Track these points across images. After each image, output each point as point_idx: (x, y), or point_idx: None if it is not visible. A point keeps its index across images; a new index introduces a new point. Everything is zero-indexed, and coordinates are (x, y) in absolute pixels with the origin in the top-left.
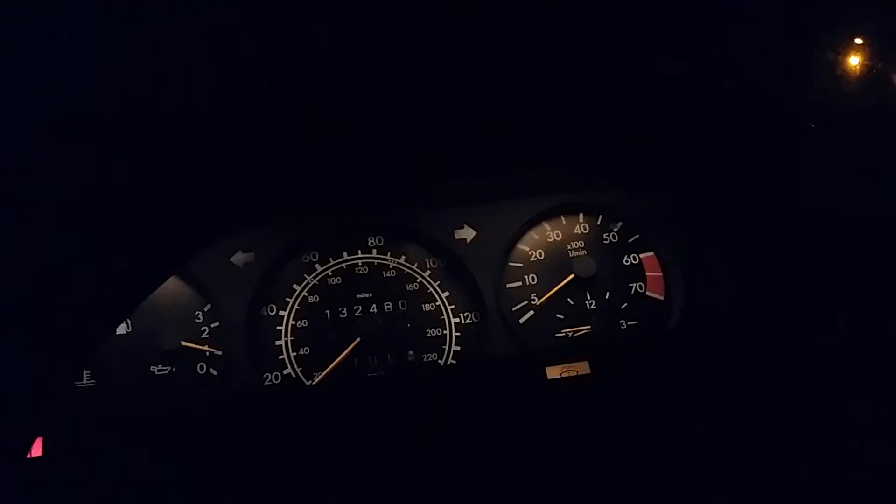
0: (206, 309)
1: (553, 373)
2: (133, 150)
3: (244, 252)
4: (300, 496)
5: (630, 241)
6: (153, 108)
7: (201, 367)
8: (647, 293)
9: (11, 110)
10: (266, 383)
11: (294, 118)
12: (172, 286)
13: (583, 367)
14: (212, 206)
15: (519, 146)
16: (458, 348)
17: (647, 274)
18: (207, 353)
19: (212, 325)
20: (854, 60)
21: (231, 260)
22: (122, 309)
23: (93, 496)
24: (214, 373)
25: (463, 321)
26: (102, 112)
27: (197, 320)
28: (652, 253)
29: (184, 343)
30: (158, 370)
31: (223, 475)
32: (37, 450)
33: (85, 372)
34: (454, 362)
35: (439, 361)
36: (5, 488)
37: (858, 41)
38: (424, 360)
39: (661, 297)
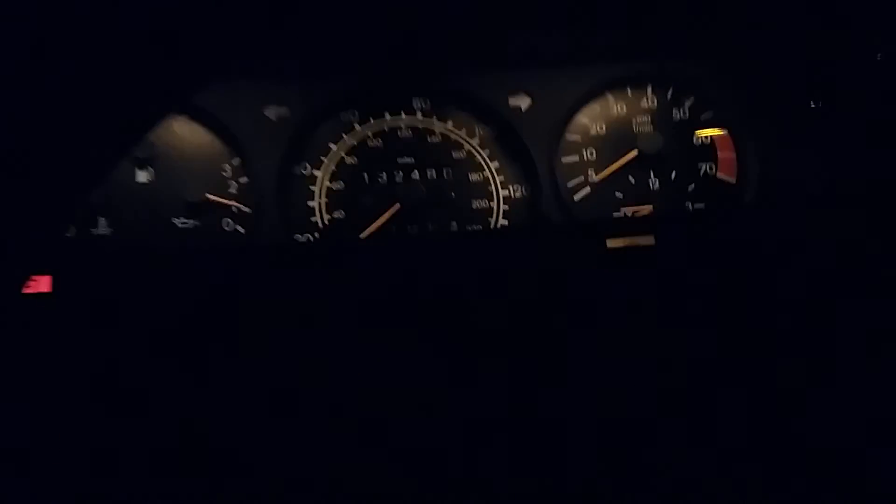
0: (234, 162)
1: (615, 243)
2: None
3: (279, 105)
4: (326, 355)
5: (702, 117)
6: None
7: (227, 224)
8: (718, 175)
9: None
10: None
11: None
12: (199, 135)
13: (647, 241)
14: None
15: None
16: (506, 222)
17: (718, 154)
18: (234, 209)
19: (240, 180)
20: None
21: (264, 112)
22: (125, 136)
23: (100, 336)
24: (241, 230)
25: (512, 194)
26: None
27: (224, 173)
28: (725, 132)
29: (209, 196)
30: (181, 223)
31: (242, 324)
32: (45, 286)
33: (101, 219)
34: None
35: None
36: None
37: None
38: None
39: (733, 180)
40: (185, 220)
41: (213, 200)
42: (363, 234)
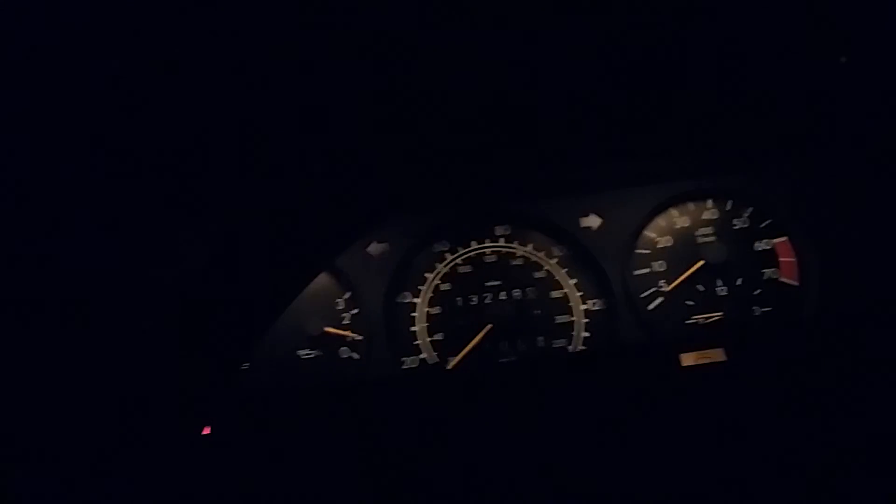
0: (346, 297)
1: (687, 360)
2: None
3: (379, 243)
4: (435, 473)
5: (762, 226)
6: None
7: (343, 352)
8: (781, 279)
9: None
10: (404, 367)
11: (425, 112)
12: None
13: (718, 355)
14: (357, 205)
15: (643, 133)
16: (588, 334)
17: (780, 259)
18: (349, 339)
19: (352, 312)
20: None
21: (367, 250)
22: (278, 308)
23: (246, 470)
24: (356, 357)
25: (591, 308)
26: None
27: (338, 307)
28: (785, 238)
29: (327, 329)
30: (305, 354)
31: (366, 452)
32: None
33: None
34: (584, 348)
35: (569, 347)
36: (181, 464)
37: None
38: (554, 346)
39: (796, 283)
40: (309, 352)
41: (331, 332)
42: (460, 354)
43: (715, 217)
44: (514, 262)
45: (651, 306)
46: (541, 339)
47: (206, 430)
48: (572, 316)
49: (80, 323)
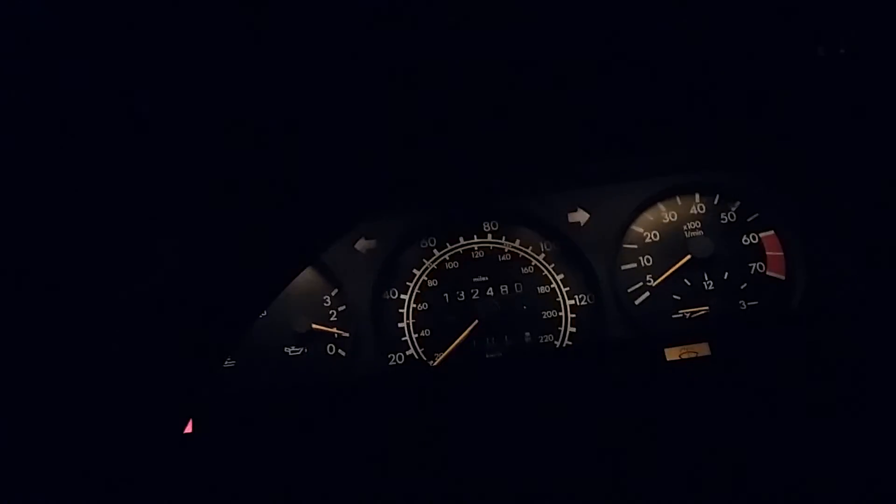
0: (333, 293)
1: (672, 354)
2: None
3: (367, 239)
4: (423, 471)
5: (749, 220)
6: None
7: (330, 349)
8: (768, 273)
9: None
10: (391, 363)
11: (412, 109)
12: (302, 273)
13: (702, 349)
14: (344, 199)
15: (630, 129)
16: (574, 330)
17: (767, 253)
18: (336, 335)
19: (339, 309)
20: None
21: (355, 246)
22: (263, 302)
23: (235, 469)
24: (343, 353)
25: (578, 303)
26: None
27: (325, 304)
28: (772, 232)
29: (314, 326)
30: (292, 351)
31: (352, 450)
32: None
33: None
34: (570, 343)
35: (555, 343)
36: (163, 465)
37: None
38: (541, 341)
39: (783, 277)
40: (296, 349)
41: (318, 329)
42: (447, 350)
43: (702, 211)
44: (502, 258)
45: (638, 301)
46: (527, 334)
47: (189, 429)
48: (559, 311)
49: (61, 317)
